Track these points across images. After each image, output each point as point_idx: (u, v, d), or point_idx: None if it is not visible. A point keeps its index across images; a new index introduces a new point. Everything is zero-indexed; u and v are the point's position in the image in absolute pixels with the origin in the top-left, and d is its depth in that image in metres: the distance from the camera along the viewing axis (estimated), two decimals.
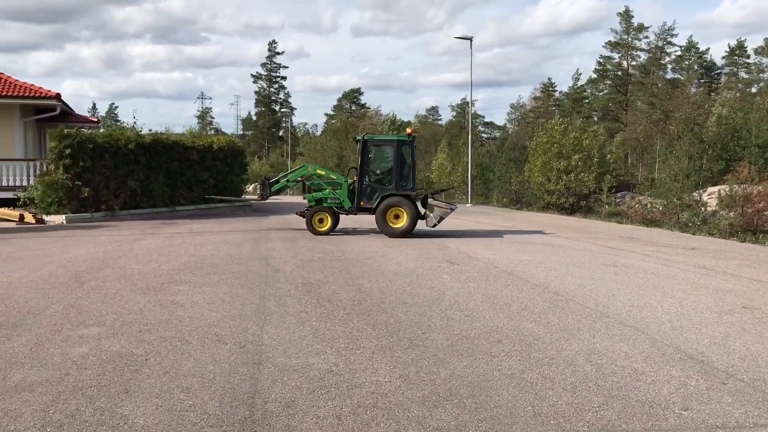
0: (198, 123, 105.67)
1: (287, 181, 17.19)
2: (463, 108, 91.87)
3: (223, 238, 15.29)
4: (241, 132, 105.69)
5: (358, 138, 17.17)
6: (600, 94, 75.11)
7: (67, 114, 27.91)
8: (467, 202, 34.15)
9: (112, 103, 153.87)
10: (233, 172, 25.46)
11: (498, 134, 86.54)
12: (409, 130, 17.34)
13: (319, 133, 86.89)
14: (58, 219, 19.42)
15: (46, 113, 25.32)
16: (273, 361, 5.66)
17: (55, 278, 9.60)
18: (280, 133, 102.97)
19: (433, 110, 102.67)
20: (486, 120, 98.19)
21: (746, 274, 10.97)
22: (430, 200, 16.57)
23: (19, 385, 5.02)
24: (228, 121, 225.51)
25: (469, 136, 35.74)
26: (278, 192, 17.77)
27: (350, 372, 5.41)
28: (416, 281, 9.61)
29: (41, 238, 15.28)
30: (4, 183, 22.62)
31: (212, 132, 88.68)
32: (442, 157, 39.64)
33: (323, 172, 17.24)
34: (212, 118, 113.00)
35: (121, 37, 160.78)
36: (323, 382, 5.16)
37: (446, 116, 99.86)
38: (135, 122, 36.52)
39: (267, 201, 20.23)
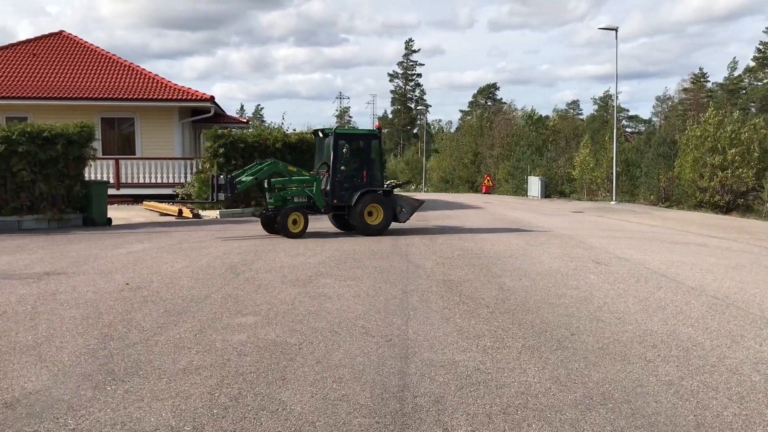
0: (336, 122, 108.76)
1: (255, 179, 14.85)
2: (605, 101, 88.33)
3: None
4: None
5: (327, 131, 15.72)
6: (760, 83, 69.50)
7: (219, 115, 29.69)
8: (611, 200, 32.79)
9: (258, 104, 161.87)
10: None
11: (643, 128, 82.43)
12: (377, 124, 16.31)
13: (453, 129, 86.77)
14: (213, 214, 20.71)
15: (201, 115, 27.08)
16: (420, 356, 5.72)
17: (213, 269, 10.24)
18: (415, 131, 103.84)
19: (574, 104, 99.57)
20: (630, 113, 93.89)
21: None
22: (398, 193, 16.08)
23: (187, 368, 5.40)
24: (365, 120, 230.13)
25: (615, 131, 34.25)
26: (237, 192, 15.12)
27: (498, 371, 5.36)
28: (561, 281, 9.36)
29: (198, 231, 16.37)
30: (165, 180, 24.45)
31: None
32: (584, 153, 38.18)
33: (294, 169, 15.40)
34: (350, 117, 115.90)
35: (266, 41, 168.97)
36: (471, 379, 5.14)
37: (587, 110, 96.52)
38: (283, 122, 38.12)
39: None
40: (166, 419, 4.36)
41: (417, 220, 19.84)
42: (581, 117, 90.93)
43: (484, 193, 47.03)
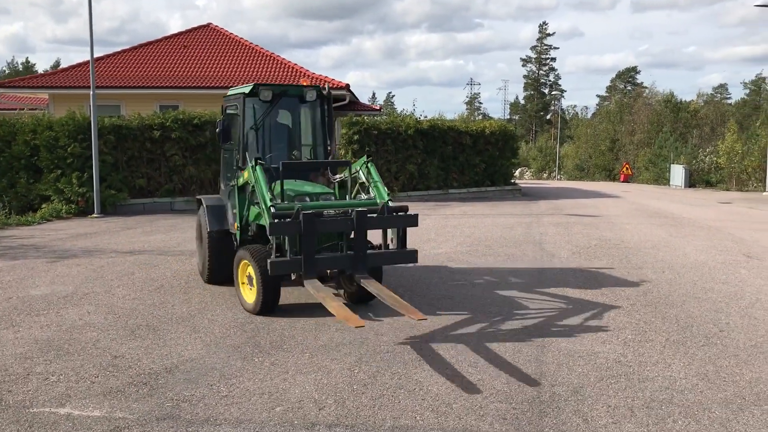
0: (466, 109, 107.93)
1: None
2: (757, 85, 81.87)
3: (494, 221, 15.49)
4: (509, 116, 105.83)
5: (313, 88, 8.05)
6: None
7: (353, 103, 30.30)
8: (764, 190, 30.45)
9: (389, 92, 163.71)
10: (503, 156, 25.58)
11: None
12: (303, 81, 8.49)
13: (589, 115, 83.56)
14: None
15: (337, 102, 27.76)
16: (556, 346, 5.62)
17: None
18: (548, 117, 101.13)
19: (721, 88, 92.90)
20: None
21: None
22: None
23: (328, 345, 5.63)
24: (495, 106, 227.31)
25: None
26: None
27: (640, 364, 5.17)
28: (708, 275, 8.84)
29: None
30: None
31: (480, 117, 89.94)
32: (731, 140, 35.59)
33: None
34: (480, 103, 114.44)
35: (399, 29, 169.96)
36: (612, 371, 5.00)
37: (737, 95, 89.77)
38: (414, 109, 38.46)
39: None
40: (310, 392, 4.57)
41: (550, 208, 19.40)
42: (729, 102, 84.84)
43: (622, 181, 45.08)
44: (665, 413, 4.25)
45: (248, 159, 7.07)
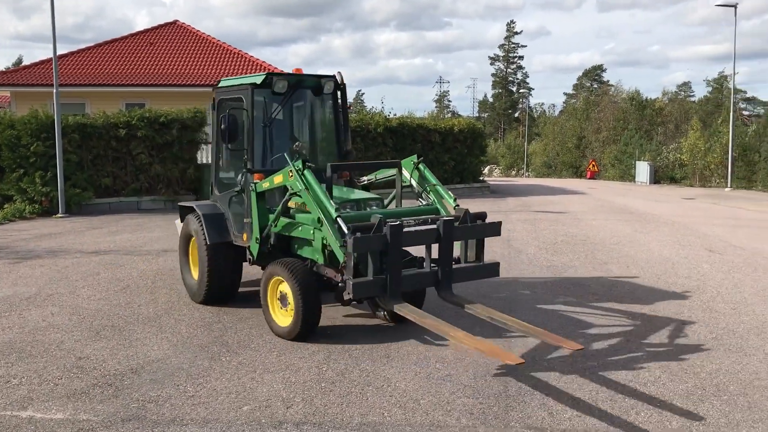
0: (435, 107, 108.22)
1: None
2: (720, 83, 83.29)
3: None
4: (477, 114, 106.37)
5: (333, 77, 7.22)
6: None
7: None
8: (726, 186, 31.10)
9: (359, 90, 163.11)
10: (472, 154, 25.70)
11: (762, 111, 77.17)
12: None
13: (557, 113, 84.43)
14: None
15: None
16: (522, 341, 5.68)
17: None
18: (516, 115, 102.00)
19: (685, 86, 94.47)
20: (748, 95, 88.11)
21: None
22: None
23: (296, 343, 5.61)
24: (464, 104, 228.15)
25: (732, 113, 32.34)
26: None
27: (604, 357, 5.26)
28: (672, 270, 9.00)
29: None
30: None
31: (449, 115, 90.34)
32: (694, 137, 36.23)
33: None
34: (449, 101, 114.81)
35: (368, 27, 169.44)
36: (576, 365, 5.07)
37: (700, 92, 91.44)
38: (383, 107, 38.54)
39: (499, 182, 18.25)
40: (278, 390, 4.56)
41: (518, 205, 19.57)
42: (693, 99, 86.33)
43: (589, 178, 45.62)
44: (628, 406, 4.33)
45: (288, 161, 5.91)
